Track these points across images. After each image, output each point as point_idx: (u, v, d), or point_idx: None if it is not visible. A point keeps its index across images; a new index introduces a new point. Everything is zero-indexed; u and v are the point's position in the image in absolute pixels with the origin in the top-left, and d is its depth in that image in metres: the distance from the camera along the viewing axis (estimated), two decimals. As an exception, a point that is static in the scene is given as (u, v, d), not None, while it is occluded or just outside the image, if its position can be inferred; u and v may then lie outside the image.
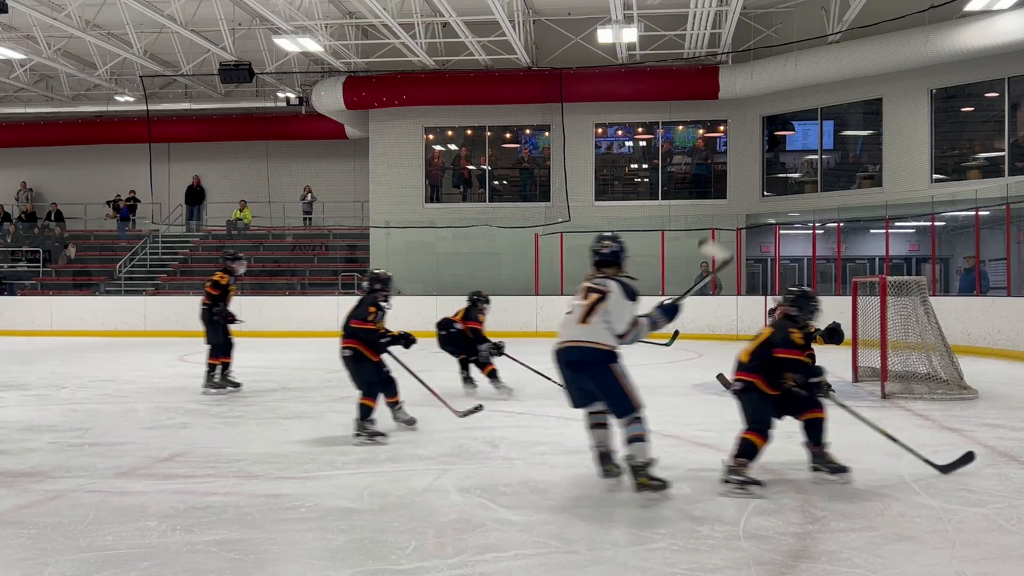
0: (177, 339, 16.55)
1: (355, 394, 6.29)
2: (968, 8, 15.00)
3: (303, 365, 12.35)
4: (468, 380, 8.99)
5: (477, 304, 9.03)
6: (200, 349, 15.16)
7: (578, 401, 4.84)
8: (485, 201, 21.81)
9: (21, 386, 9.71)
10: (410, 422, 6.69)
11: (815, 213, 18.68)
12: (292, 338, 17.90)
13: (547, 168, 21.57)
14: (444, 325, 9.07)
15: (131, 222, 25.26)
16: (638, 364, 12.24)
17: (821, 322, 6.01)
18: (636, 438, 4.59)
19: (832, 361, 11.66)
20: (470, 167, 22.25)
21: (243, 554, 3.64)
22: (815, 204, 19.07)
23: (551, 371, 7.78)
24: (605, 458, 4.84)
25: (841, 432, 6.53)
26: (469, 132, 22.14)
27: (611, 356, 4.68)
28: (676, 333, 9.31)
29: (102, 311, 19.79)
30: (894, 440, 5.31)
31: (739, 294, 18.11)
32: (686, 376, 10.73)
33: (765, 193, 20.53)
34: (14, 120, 25.42)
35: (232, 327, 9.03)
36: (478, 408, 6.91)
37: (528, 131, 21.99)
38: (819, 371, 5.09)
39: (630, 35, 17.38)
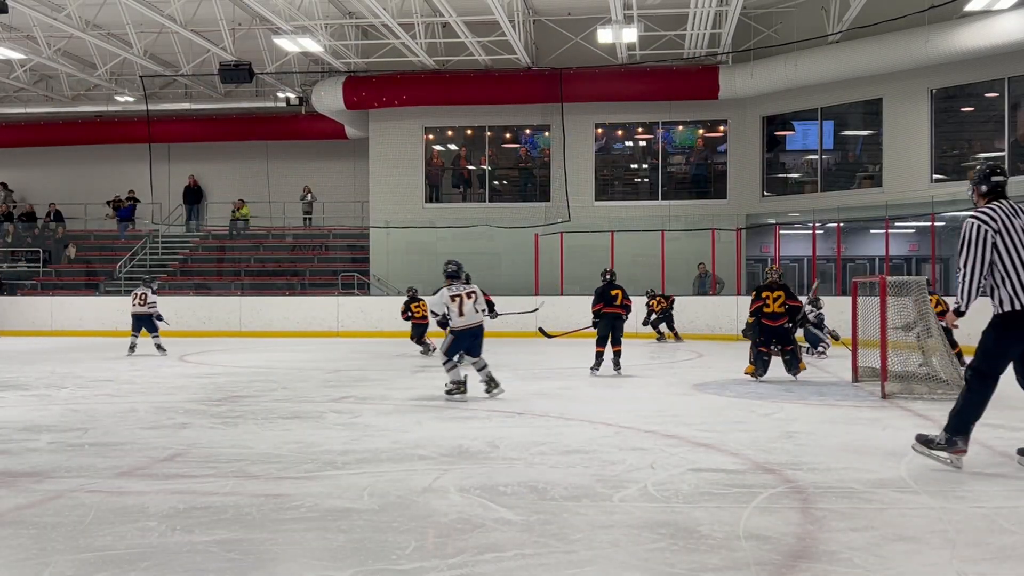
0: (177, 339, 16.54)
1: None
2: (968, 8, 15.01)
3: (303, 365, 12.35)
4: None
5: None
6: (200, 349, 15.22)
7: None
8: (485, 201, 21.81)
9: (21, 386, 9.71)
10: None
11: (815, 213, 18.68)
12: (292, 338, 17.90)
13: (547, 168, 21.58)
14: None
15: (132, 222, 25.23)
16: (638, 364, 12.24)
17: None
18: None
19: (832, 362, 11.68)
20: (470, 167, 22.26)
21: (243, 554, 3.64)
22: (815, 204, 19.07)
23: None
24: None
25: (840, 432, 6.55)
26: (469, 132, 22.15)
27: None
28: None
29: (102, 311, 19.80)
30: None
31: (739, 294, 18.11)
32: (686, 376, 10.74)
33: (765, 193, 20.53)
34: (14, 120, 25.42)
35: None
36: None
37: (528, 131, 21.99)
38: None
39: (630, 35, 17.39)
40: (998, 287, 4.92)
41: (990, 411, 7.60)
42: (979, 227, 4.91)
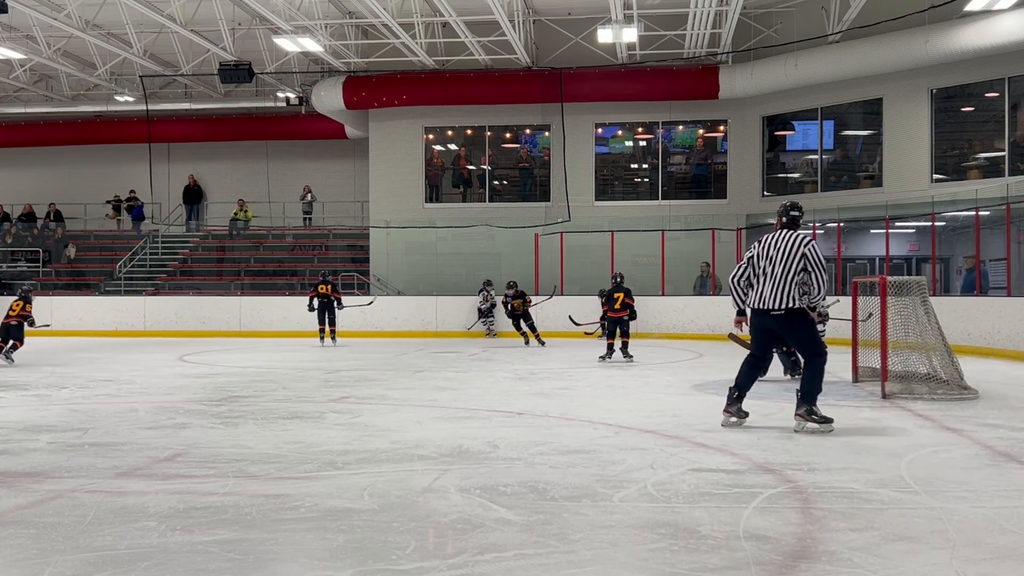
0: (177, 339, 16.57)
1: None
2: (968, 8, 15.00)
3: (303, 365, 12.35)
4: None
5: None
6: (200, 349, 15.22)
7: None
8: (485, 201, 21.80)
9: (21, 386, 9.71)
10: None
11: (815, 213, 18.66)
12: (292, 338, 17.89)
13: (547, 168, 21.57)
14: None
15: (144, 221, 25.19)
16: (639, 364, 12.25)
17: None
18: None
19: (833, 362, 11.67)
20: (470, 167, 22.25)
21: (243, 554, 3.64)
22: (815, 204, 19.04)
23: None
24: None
25: (840, 432, 6.55)
26: (469, 132, 22.14)
27: None
28: None
29: (102, 311, 19.79)
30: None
31: (739, 294, 18.08)
32: (686, 376, 10.74)
33: (765, 193, 20.52)
34: (14, 120, 25.42)
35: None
36: None
37: (528, 131, 21.98)
38: None
39: (630, 35, 17.38)
40: (752, 290, 6.61)
41: (990, 411, 7.63)
42: (749, 248, 6.72)
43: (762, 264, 6.52)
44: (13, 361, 12.61)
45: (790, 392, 8.98)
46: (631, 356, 12.60)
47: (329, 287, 16.25)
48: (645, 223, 19.45)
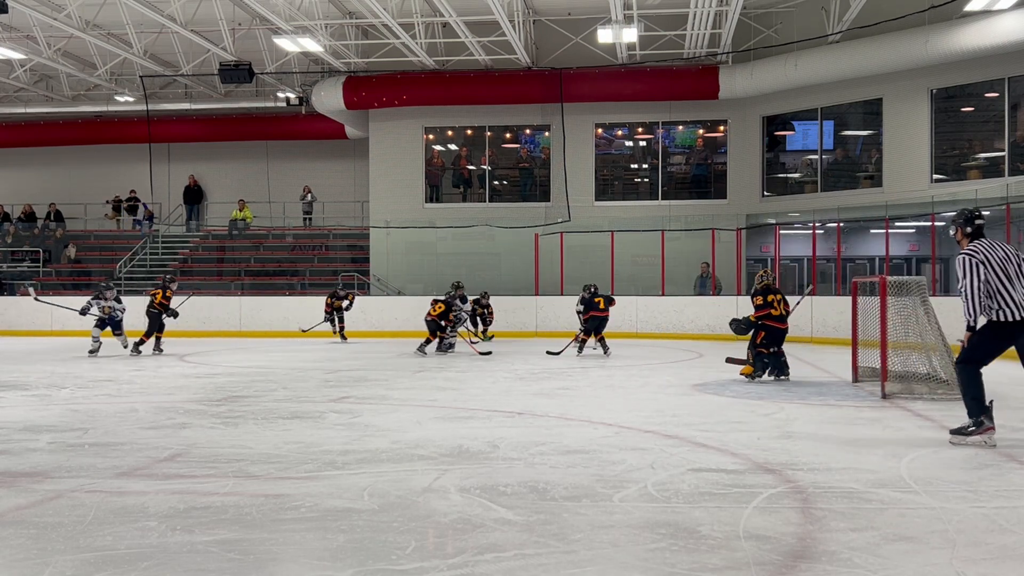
0: (177, 339, 16.56)
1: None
2: (968, 8, 15.01)
3: (303, 365, 12.35)
4: None
5: None
6: (200, 349, 15.22)
7: None
8: (485, 201, 21.80)
9: (21, 386, 9.70)
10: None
11: (815, 213, 18.67)
12: (292, 338, 17.89)
13: (547, 168, 21.57)
14: None
15: (150, 223, 25.18)
16: (639, 364, 12.26)
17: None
18: None
19: (832, 362, 11.69)
20: (470, 167, 22.25)
21: (243, 554, 3.64)
22: (815, 204, 19.06)
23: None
24: None
25: (840, 432, 6.55)
26: (469, 132, 22.14)
27: None
28: None
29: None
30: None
31: (739, 294, 18.11)
32: (686, 376, 10.74)
33: (765, 193, 20.52)
34: (14, 120, 25.42)
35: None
36: None
37: (528, 131, 21.98)
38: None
39: (630, 35, 17.38)
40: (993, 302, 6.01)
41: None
42: (970, 260, 5.95)
43: (996, 273, 5.98)
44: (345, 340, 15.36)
45: (791, 392, 9.00)
46: (607, 348, 13.94)
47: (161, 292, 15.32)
48: (645, 223, 19.46)
